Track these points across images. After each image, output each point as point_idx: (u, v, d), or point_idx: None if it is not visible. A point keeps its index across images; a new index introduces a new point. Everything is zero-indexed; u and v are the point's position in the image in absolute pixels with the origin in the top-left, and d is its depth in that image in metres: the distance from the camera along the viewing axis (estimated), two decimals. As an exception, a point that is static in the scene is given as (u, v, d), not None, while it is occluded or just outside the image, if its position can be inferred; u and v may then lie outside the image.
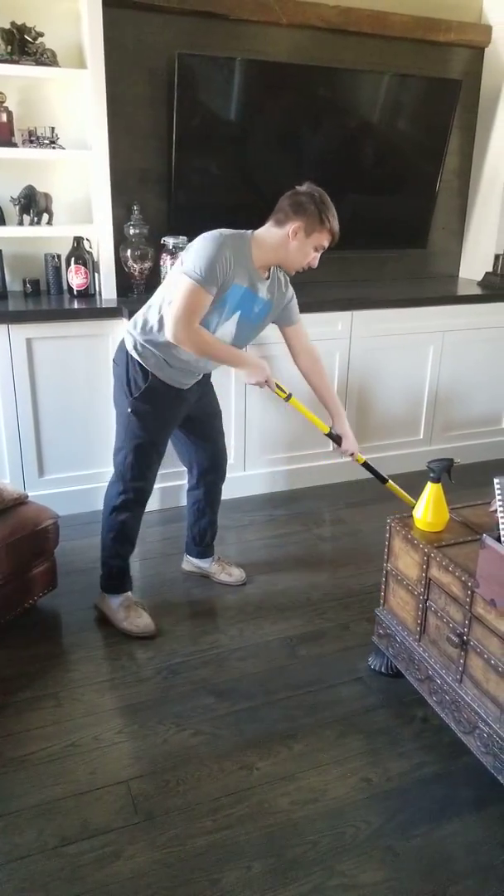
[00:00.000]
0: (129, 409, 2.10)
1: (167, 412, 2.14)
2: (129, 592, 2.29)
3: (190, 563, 2.55)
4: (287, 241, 1.99)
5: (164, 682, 2.02)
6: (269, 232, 2.01)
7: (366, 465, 2.33)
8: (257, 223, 2.04)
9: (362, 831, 1.59)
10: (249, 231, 2.02)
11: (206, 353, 1.99)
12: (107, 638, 2.21)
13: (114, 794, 1.66)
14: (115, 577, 2.26)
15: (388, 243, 3.52)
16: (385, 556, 1.97)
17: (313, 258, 2.05)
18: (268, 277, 2.07)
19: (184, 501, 2.63)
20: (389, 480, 2.35)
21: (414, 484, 2.15)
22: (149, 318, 2.06)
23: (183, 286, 1.90)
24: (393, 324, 3.16)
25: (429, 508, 1.84)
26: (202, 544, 2.49)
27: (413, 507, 1.92)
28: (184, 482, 2.63)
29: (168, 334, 1.95)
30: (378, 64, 3.19)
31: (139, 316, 2.10)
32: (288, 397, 2.17)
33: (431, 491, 1.84)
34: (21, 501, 2.26)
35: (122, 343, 2.14)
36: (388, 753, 1.79)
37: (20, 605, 2.21)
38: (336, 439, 2.28)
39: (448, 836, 1.59)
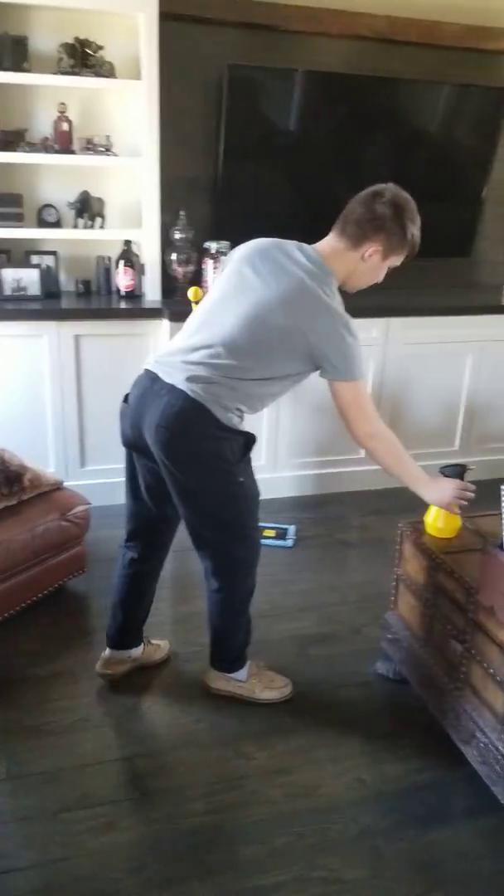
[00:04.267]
0: (241, 479, 1.72)
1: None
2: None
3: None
4: (359, 263, 1.71)
5: (175, 669, 2.09)
6: (343, 258, 1.70)
7: None
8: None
9: (350, 829, 1.61)
10: (330, 270, 1.68)
11: (399, 458, 1.76)
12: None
13: (115, 769, 1.75)
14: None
15: (432, 251, 3.46)
16: (396, 561, 1.99)
17: (382, 275, 1.77)
18: None
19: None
20: None
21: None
22: (232, 360, 1.64)
23: (355, 390, 1.69)
24: (430, 331, 3.14)
25: (439, 515, 1.84)
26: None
27: None
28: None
29: (364, 436, 1.73)
30: (427, 73, 3.18)
31: (210, 360, 1.64)
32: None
33: (443, 498, 1.84)
34: (57, 487, 2.39)
35: (194, 412, 1.61)
36: (385, 757, 1.80)
37: (50, 585, 2.32)
38: None
39: (436, 843, 1.59)
